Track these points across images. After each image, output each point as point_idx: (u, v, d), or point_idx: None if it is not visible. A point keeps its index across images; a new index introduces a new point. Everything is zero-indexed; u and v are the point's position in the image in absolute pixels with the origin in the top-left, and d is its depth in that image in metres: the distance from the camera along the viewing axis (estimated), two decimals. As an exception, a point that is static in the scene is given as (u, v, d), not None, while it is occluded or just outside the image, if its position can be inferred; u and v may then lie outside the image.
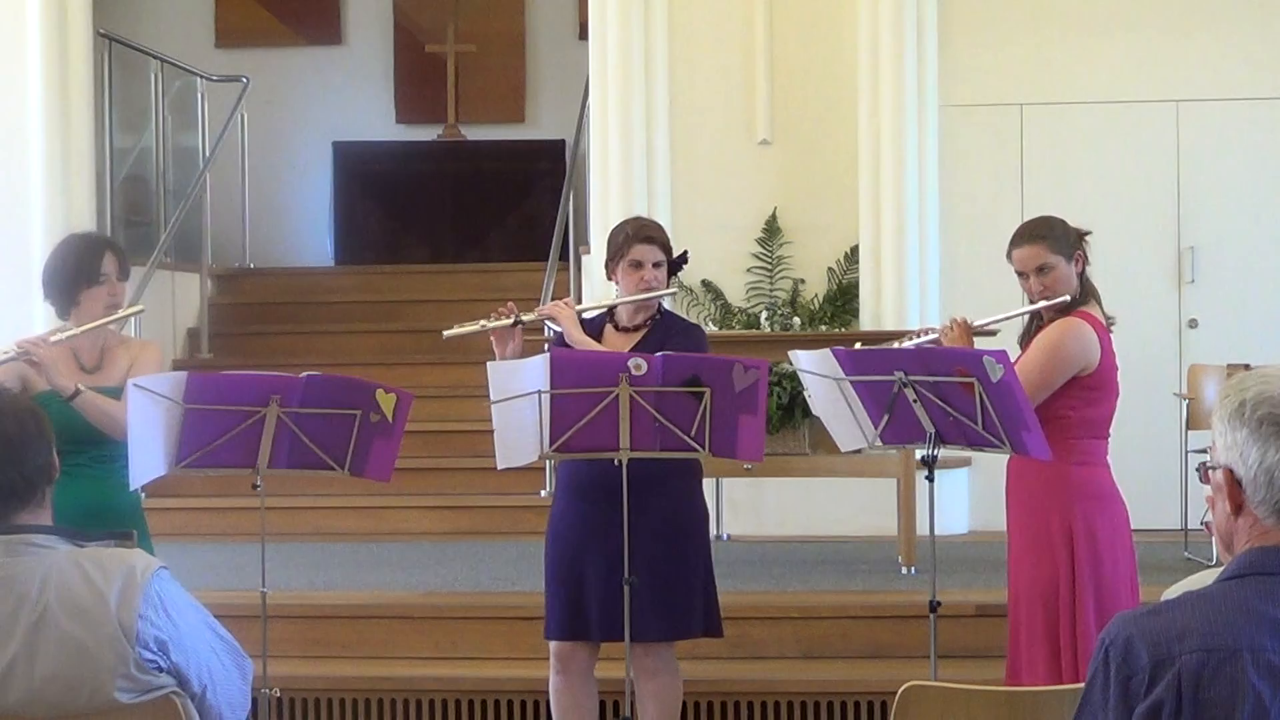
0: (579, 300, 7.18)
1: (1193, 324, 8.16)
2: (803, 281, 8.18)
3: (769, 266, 8.19)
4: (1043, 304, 4.65)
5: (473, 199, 11.57)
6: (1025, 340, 4.78)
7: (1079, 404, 4.59)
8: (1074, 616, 4.54)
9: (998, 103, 8.23)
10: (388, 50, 12.15)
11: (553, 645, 4.81)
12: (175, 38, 11.27)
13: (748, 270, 8.20)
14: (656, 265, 4.73)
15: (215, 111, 10.70)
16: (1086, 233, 4.75)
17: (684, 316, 5.11)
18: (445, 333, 4.80)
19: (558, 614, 4.75)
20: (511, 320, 4.69)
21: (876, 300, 7.97)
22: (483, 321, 4.72)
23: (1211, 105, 8.15)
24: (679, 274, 4.92)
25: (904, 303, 7.91)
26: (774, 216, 8.18)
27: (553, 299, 7.92)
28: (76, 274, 4.61)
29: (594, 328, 4.87)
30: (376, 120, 12.05)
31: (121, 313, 4.70)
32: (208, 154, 10.44)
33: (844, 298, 8.13)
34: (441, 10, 11.99)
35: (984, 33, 8.23)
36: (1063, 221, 4.74)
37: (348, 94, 12.02)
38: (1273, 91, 8.11)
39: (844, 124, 8.11)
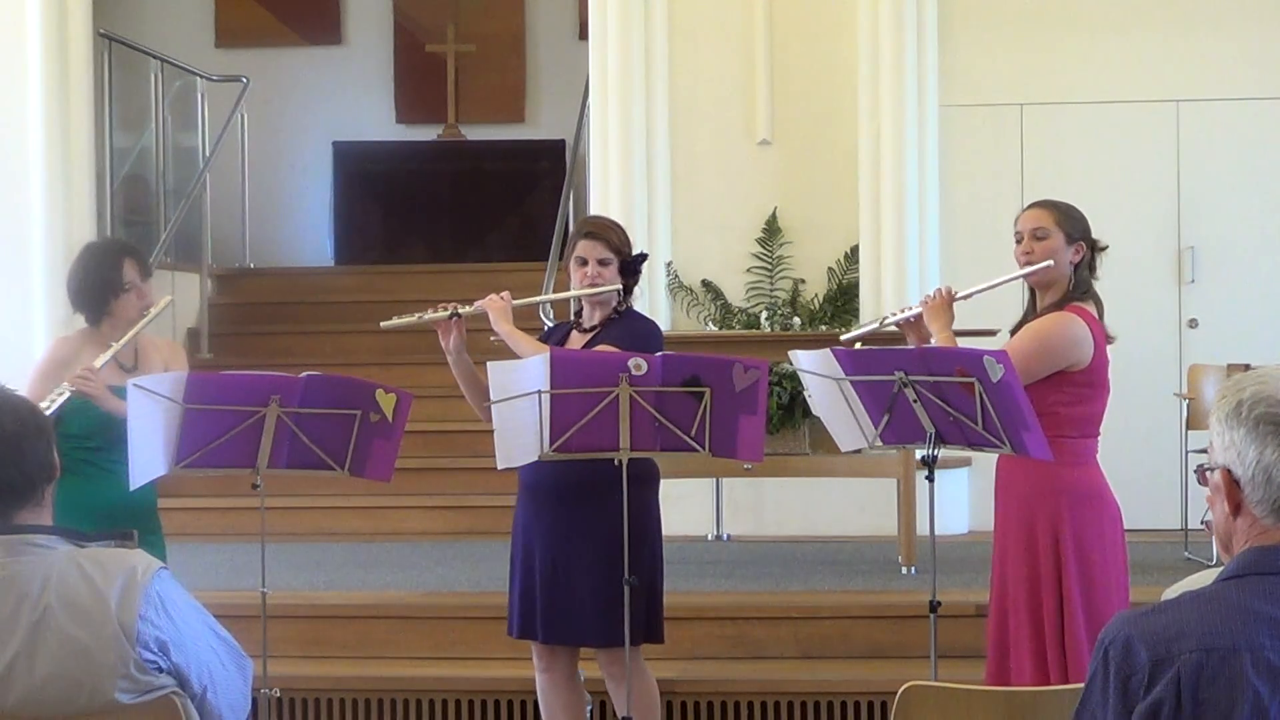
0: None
1: (1193, 324, 8.16)
2: (803, 281, 8.18)
3: (769, 266, 8.19)
4: (1026, 270, 4.63)
5: (473, 199, 11.58)
6: (1018, 329, 4.76)
7: (1070, 400, 4.55)
8: (1061, 620, 4.52)
9: (998, 103, 8.23)
10: (388, 50, 12.15)
11: (532, 645, 4.83)
12: (175, 38, 11.27)
13: (748, 270, 8.21)
14: (602, 262, 4.71)
15: (215, 111, 10.70)
16: (1104, 246, 4.74)
17: (642, 313, 5.07)
18: (383, 324, 4.84)
19: (513, 611, 4.79)
20: (448, 313, 4.70)
21: (876, 300, 7.97)
22: (419, 314, 4.75)
23: (1211, 105, 8.15)
24: (639, 274, 4.84)
25: (904, 303, 7.86)
26: (774, 216, 8.18)
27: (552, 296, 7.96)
28: (102, 287, 4.75)
29: (562, 331, 4.89)
30: (376, 120, 12.05)
31: (153, 313, 4.80)
32: (208, 154, 10.45)
33: (844, 298, 8.12)
34: (441, 10, 12.00)
35: (984, 33, 8.22)
36: (1082, 214, 4.75)
37: (348, 94, 12.02)
38: (1273, 91, 8.11)
39: (844, 124, 8.11)
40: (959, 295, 4.76)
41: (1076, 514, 4.55)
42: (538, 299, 5.41)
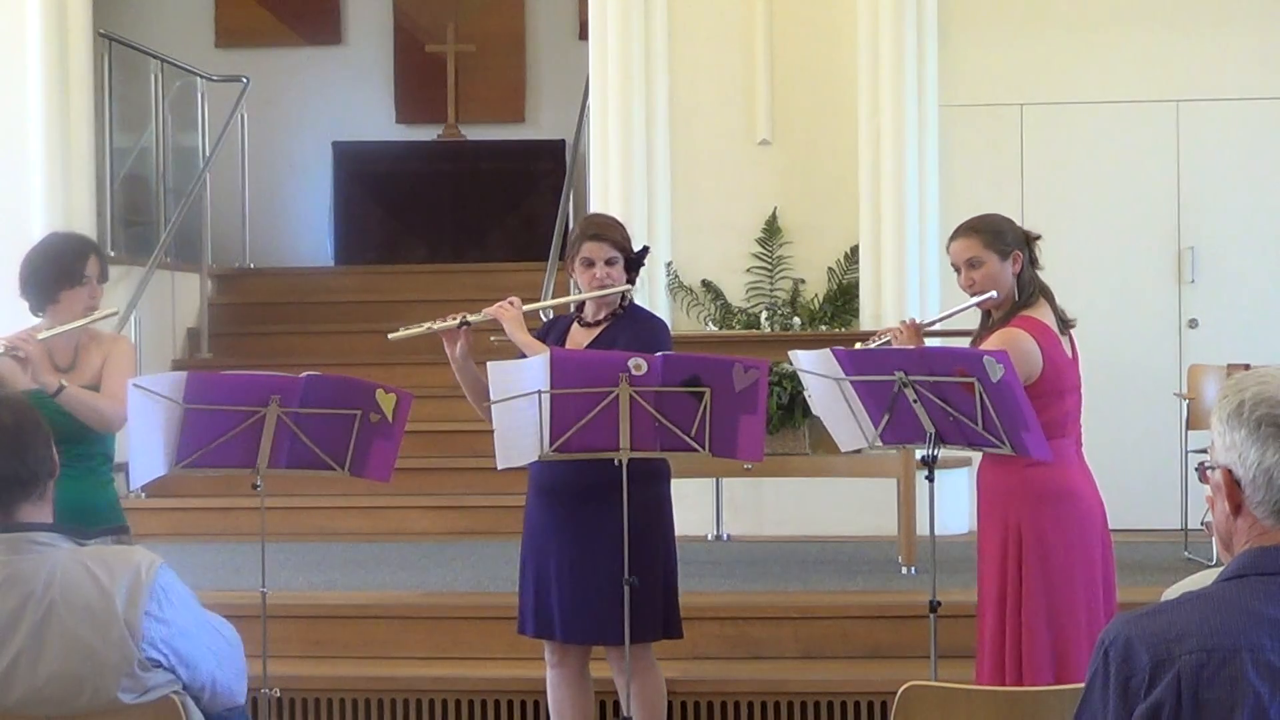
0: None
1: (1193, 324, 8.16)
2: (803, 281, 8.18)
3: (769, 266, 8.19)
4: (975, 300, 4.64)
5: (473, 199, 11.57)
6: (977, 343, 4.75)
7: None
8: (1020, 620, 4.53)
9: (998, 103, 8.23)
10: (388, 50, 12.15)
11: (545, 642, 4.83)
12: (175, 38, 11.27)
13: (748, 270, 8.21)
14: (609, 262, 4.72)
15: (215, 111, 10.71)
16: (1037, 236, 4.73)
17: (648, 310, 5.08)
18: (390, 335, 4.82)
19: (525, 610, 4.80)
20: (457, 322, 4.68)
21: (876, 300, 7.97)
22: (428, 324, 4.72)
23: (1211, 105, 8.15)
24: (642, 268, 4.87)
25: (904, 303, 7.90)
26: (774, 216, 8.18)
27: (552, 296, 7.97)
28: (60, 274, 4.65)
29: (564, 323, 4.88)
30: (376, 120, 12.05)
31: (99, 314, 4.71)
32: (208, 154, 10.45)
33: (844, 298, 8.13)
34: (441, 10, 12.00)
35: (984, 33, 8.23)
36: (1006, 220, 4.75)
37: (348, 94, 12.02)
38: (1273, 91, 8.11)
39: (844, 124, 8.11)
40: (926, 325, 4.79)
41: (1040, 514, 4.53)
42: (549, 303, 5.40)
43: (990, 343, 4.56)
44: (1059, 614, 4.49)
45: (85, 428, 4.53)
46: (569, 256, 4.83)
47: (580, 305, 4.87)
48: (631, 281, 4.79)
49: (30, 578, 2.96)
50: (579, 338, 4.80)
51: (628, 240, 4.82)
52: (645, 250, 4.88)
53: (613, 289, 4.73)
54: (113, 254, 8.56)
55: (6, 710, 2.95)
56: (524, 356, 4.61)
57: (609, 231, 4.79)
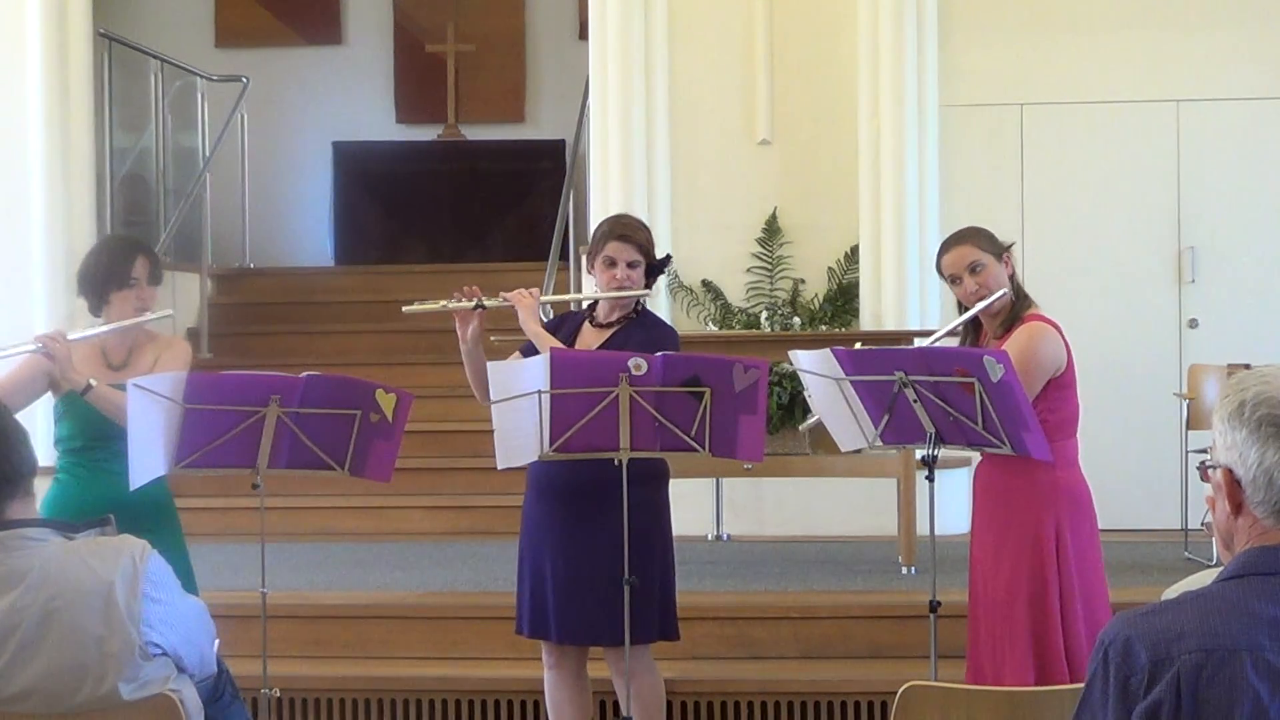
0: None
1: (1193, 324, 8.16)
2: (803, 281, 8.18)
3: (769, 266, 8.19)
4: (981, 304, 4.62)
5: (473, 199, 11.58)
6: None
7: (1056, 405, 4.55)
8: (1063, 619, 4.53)
9: (998, 103, 8.23)
10: (388, 50, 12.16)
11: (542, 642, 4.83)
12: (175, 38, 11.28)
13: (748, 270, 8.21)
14: (631, 265, 4.71)
15: (215, 111, 10.71)
16: (1010, 243, 4.77)
17: (660, 317, 5.07)
18: (405, 308, 4.84)
19: (521, 610, 4.80)
20: (473, 304, 4.68)
21: (876, 300, 7.97)
22: (444, 301, 4.73)
23: (1211, 105, 8.15)
24: (661, 276, 4.87)
25: (904, 303, 7.91)
26: (774, 216, 8.19)
27: (552, 296, 7.97)
28: (108, 276, 4.73)
29: (575, 321, 4.88)
30: (376, 120, 12.05)
31: (147, 316, 4.78)
32: (208, 154, 10.45)
33: (844, 298, 8.13)
34: (441, 10, 12.01)
35: (984, 33, 8.23)
36: (987, 229, 4.78)
37: (348, 94, 12.03)
38: (1273, 91, 8.11)
39: (844, 124, 8.11)
40: (936, 338, 4.80)
41: (1076, 517, 4.56)
42: (566, 297, 5.39)
43: (1017, 337, 4.57)
44: (1096, 613, 4.50)
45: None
46: (591, 253, 4.80)
47: (594, 304, 4.86)
48: (649, 287, 4.78)
49: (26, 573, 2.98)
50: (590, 338, 4.79)
51: (652, 245, 4.80)
52: (668, 258, 4.87)
53: (630, 292, 4.72)
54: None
55: (6, 706, 2.96)
56: (522, 356, 4.62)
57: (636, 234, 4.77)
